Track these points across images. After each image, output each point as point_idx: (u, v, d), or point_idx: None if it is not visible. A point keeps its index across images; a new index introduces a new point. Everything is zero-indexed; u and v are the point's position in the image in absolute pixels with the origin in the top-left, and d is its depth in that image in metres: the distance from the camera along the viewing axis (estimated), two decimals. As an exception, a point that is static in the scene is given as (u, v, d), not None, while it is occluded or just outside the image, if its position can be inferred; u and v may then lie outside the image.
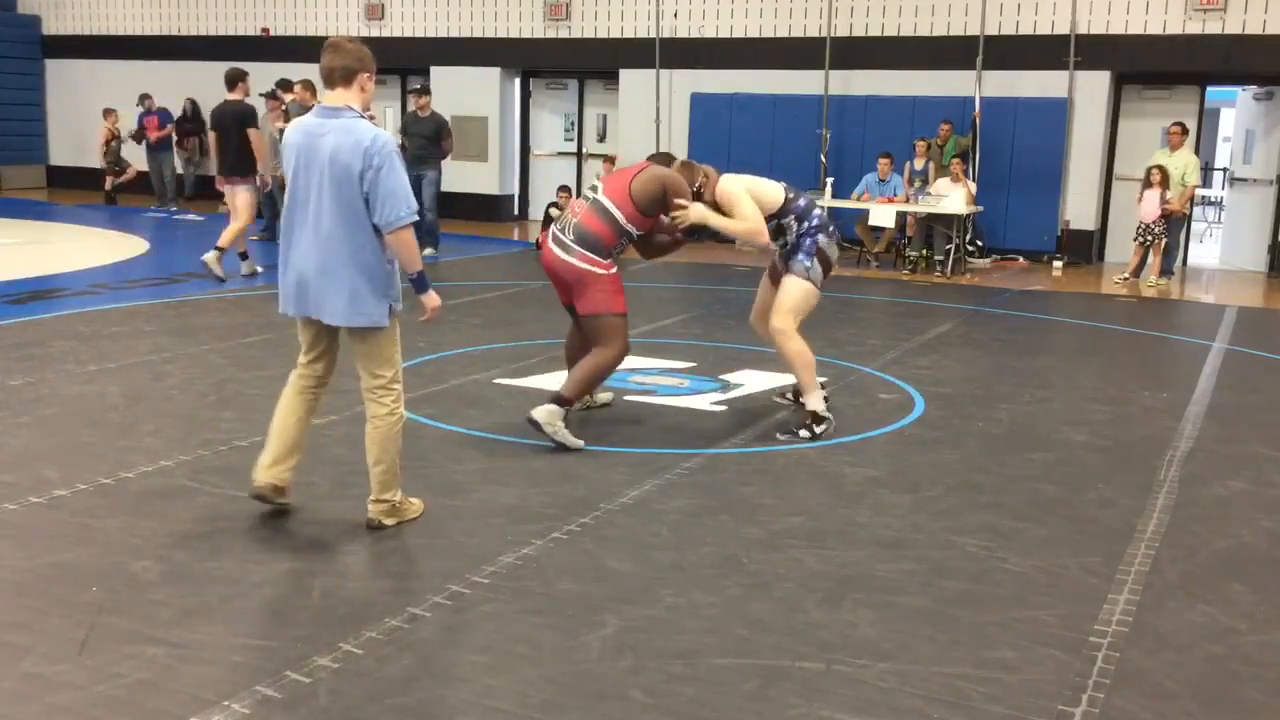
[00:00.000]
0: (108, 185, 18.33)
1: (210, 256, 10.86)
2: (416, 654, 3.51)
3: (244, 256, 11.48)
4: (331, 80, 4.37)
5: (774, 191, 6.17)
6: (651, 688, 3.35)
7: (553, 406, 5.67)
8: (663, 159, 6.23)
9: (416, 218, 4.35)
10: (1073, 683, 3.45)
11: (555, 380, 7.11)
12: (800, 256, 6.15)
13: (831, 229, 6.28)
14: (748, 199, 6.04)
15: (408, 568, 4.23)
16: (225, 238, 11.05)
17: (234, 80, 11.48)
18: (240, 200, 11.22)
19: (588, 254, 5.77)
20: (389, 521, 4.55)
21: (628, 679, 3.40)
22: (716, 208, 6.06)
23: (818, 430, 6.06)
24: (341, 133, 4.27)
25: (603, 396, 6.55)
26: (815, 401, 6.15)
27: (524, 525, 4.63)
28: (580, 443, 5.68)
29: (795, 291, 6.15)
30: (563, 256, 5.81)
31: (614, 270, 5.85)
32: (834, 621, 3.85)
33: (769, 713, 3.23)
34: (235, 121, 11.27)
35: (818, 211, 6.28)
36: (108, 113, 18.35)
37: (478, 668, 3.45)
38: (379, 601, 3.88)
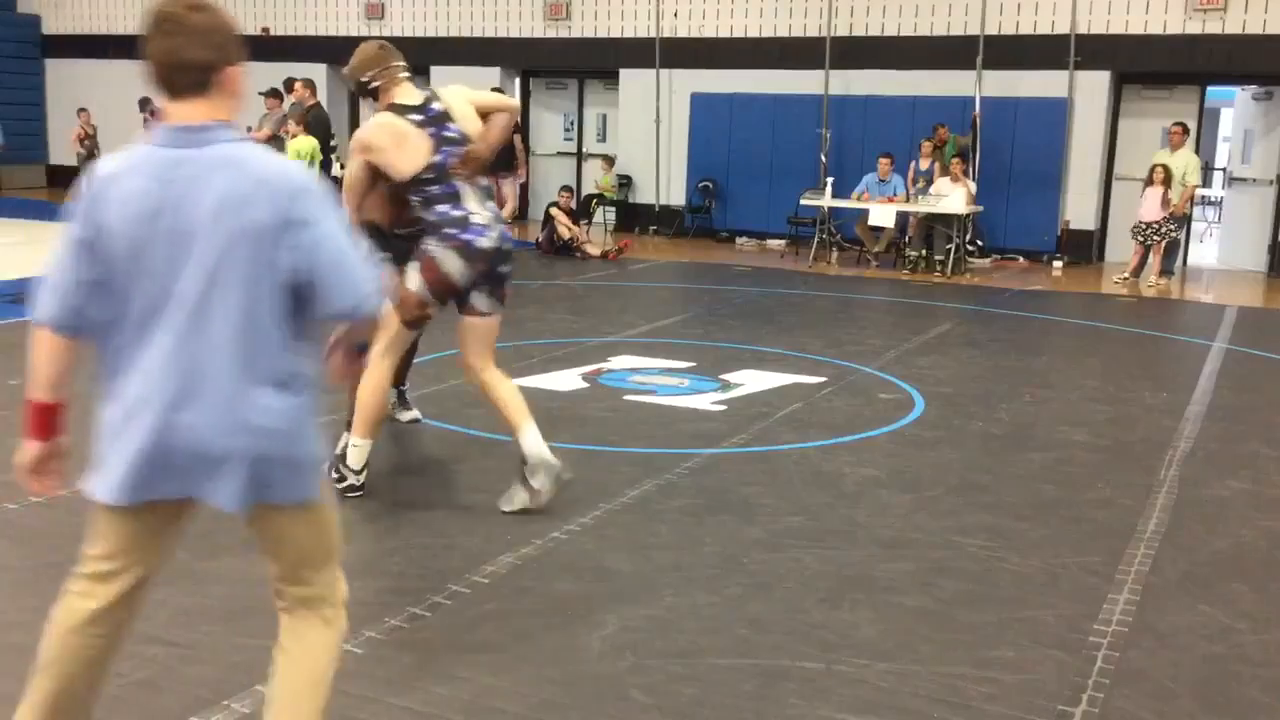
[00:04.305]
0: None
1: None
2: (416, 654, 3.51)
3: None
4: (178, 82, 2.42)
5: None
6: (651, 688, 3.35)
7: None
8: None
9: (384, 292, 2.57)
10: (1073, 683, 3.45)
11: (555, 380, 7.12)
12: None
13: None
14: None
15: (408, 568, 4.23)
16: None
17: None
18: (505, 190, 12.70)
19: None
20: None
21: (628, 679, 3.39)
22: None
23: (334, 477, 4.79)
24: (228, 168, 2.40)
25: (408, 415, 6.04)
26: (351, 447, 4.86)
27: (524, 525, 4.63)
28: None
29: None
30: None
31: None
32: (834, 621, 3.85)
33: (769, 713, 3.23)
34: None
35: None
36: (80, 111, 18.49)
37: (478, 668, 3.45)
38: (379, 601, 3.88)
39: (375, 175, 4.71)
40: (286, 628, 2.63)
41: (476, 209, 4.69)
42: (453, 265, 4.62)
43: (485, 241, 4.66)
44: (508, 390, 4.86)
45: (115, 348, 2.48)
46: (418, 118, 4.64)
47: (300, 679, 2.61)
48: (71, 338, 2.52)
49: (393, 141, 4.58)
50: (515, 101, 4.97)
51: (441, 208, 4.64)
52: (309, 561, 2.62)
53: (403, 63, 4.78)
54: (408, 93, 4.72)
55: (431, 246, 4.66)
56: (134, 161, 2.43)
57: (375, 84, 4.71)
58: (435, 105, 4.70)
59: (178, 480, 2.46)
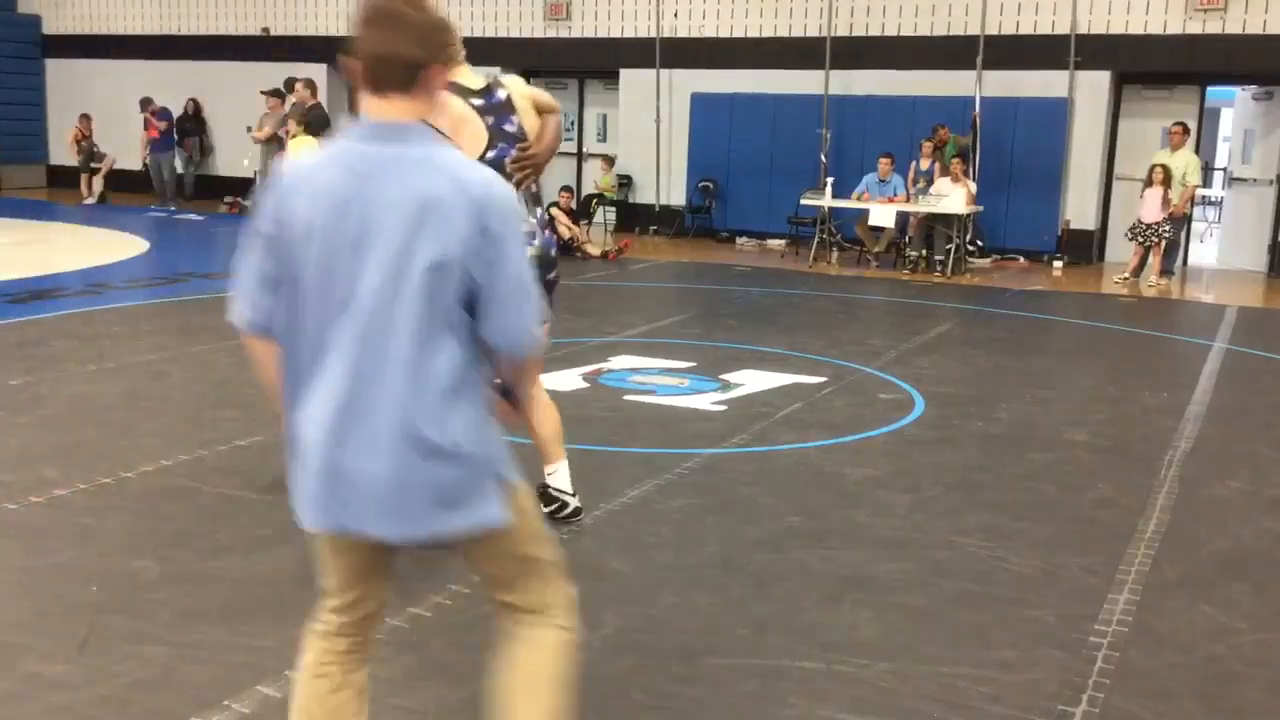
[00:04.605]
0: (87, 188, 18.38)
1: None
2: (416, 654, 3.51)
3: None
4: (384, 78, 2.30)
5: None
6: (651, 688, 3.35)
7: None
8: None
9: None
10: (1073, 683, 3.45)
11: (555, 380, 7.11)
12: None
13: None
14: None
15: (408, 568, 4.22)
16: None
17: None
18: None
19: None
20: None
21: (628, 679, 3.39)
22: None
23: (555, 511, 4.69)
24: (425, 167, 2.26)
25: None
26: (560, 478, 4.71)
27: (524, 525, 4.62)
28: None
29: None
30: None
31: None
32: (834, 621, 3.84)
33: (769, 713, 3.23)
34: None
35: None
36: (83, 116, 18.58)
37: (478, 668, 3.45)
38: (379, 601, 3.87)
39: None
40: (502, 632, 2.51)
41: (525, 215, 4.32)
42: None
43: (530, 250, 4.21)
44: (546, 419, 4.59)
45: (295, 353, 2.31)
46: (479, 103, 4.21)
47: (521, 679, 2.47)
48: (269, 338, 2.36)
49: (450, 125, 4.06)
50: (559, 104, 4.54)
51: None
52: (509, 579, 2.45)
53: (461, 41, 4.18)
54: (468, 74, 4.25)
55: None
56: (329, 156, 2.31)
57: None
58: (499, 93, 4.29)
59: (354, 508, 2.25)
